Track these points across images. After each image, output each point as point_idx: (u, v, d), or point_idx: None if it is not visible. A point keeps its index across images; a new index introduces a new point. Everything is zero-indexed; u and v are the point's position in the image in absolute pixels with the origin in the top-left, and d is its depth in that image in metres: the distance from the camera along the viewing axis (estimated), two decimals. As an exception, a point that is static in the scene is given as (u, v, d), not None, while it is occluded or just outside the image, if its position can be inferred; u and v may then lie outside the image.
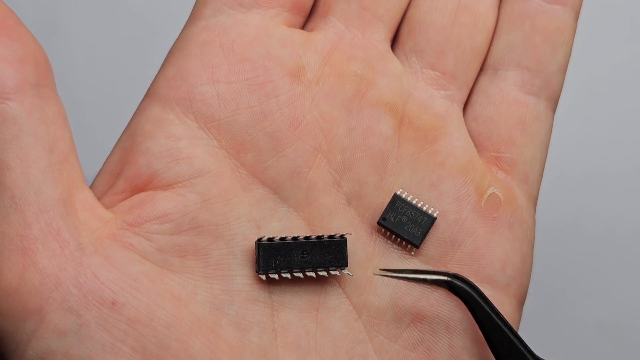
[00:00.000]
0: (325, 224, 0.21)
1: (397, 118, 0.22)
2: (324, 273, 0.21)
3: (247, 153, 0.21)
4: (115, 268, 0.19)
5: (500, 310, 0.22)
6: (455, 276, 0.21)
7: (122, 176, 0.21)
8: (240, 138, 0.21)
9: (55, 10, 0.47)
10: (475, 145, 0.23)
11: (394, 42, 0.23)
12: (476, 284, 0.22)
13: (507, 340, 0.21)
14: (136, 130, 0.21)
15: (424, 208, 0.22)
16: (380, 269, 0.21)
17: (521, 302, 0.23)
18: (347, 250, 0.21)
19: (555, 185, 0.46)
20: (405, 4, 0.23)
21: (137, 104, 0.49)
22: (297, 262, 0.21)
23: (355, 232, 0.22)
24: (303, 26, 0.23)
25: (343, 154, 0.22)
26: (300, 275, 0.21)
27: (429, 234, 0.22)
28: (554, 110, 0.24)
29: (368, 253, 0.21)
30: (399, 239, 0.22)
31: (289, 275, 0.21)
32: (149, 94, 0.22)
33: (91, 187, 0.21)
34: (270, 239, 0.21)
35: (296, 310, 0.21)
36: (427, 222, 0.21)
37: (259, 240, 0.21)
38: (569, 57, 0.24)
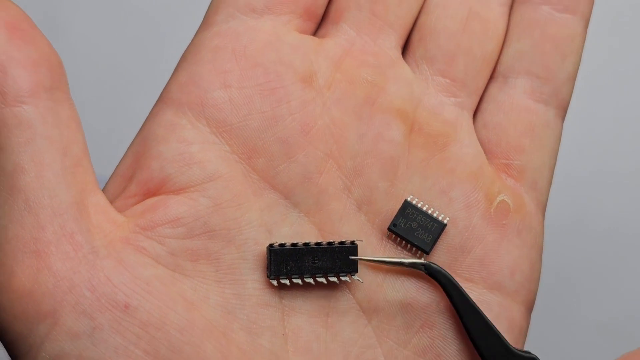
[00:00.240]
0: (336, 229, 0.22)
1: (407, 124, 0.22)
2: (335, 279, 0.21)
3: (259, 158, 0.21)
4: (128, 271, 0.20)
5: (508, 317, 0.22)
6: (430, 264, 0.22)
7: (135, 180, 0.21)
8: (252, 143, 0.21)
9: (56, 10, 0.48)
10: (484, 152, 0.23)
11: (405, 48, 0.24)
12: (485, 290, 0.22)
13: (481, 321, 0.21)
14: (149, 135, 0.21)
15: (434, 214, 0.22)
16: (352, 257, 0.21)
17: (529, 308, 0.23)
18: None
19: (556, 185, 0.46)
20: (416, 11, 0.23)
21: (137, 103, 0.49)
22: (308, 267, 0.21)
23: (365, 238, 0.22)
24: (315, 32, 0.23)
25: (354, 159, 0.22)
26: (311, 280, 0.21)
27: (439, 240, 0.22)
28: (563, 117, 0.24)
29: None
30: (409, 245, 0.22)
31: (299, 281, 0.21)
32: (161, 99, 0.22)
33: (103, 190, 0.22)
34: (281, 245, 0.21)
35: (306, 315, 0.21)
36: (437, 228, 0.22)
37: (271, 245, 0.21)
38: (579, 65, 0.24)
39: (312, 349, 0.21)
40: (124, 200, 0.21)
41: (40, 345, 0.19)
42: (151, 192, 0.21)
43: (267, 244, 0.21)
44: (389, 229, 0.22)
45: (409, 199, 0.22)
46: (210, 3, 0.23)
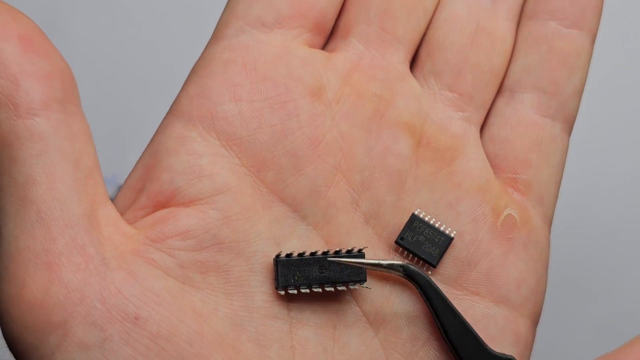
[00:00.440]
0: (344, 242, 0.22)
1: (415, 138, 0.23)
2: (343, 288, 0.22)
3: (268, 171, 0.22)
4: (138, 283, 0.20)
5: (514, 330, 0.23)
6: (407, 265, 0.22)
7: (145, 192, 0.22)
8: (261, 156, 0.22)
9: (55, 10, 0.48)
10: (491, 166, 0.24)
11: (413, 63, 0.24)
12: (491, 303, 0.22)
13: (459, 323, 0.22)
14: (159, 147, 0.22)
15: (442, 228, 0.23)
16: (330, 258, 0.22)
17: (535, 321, 0.24)
18: (366, 267, 0.22)
19: None
20: (424, 25, 0.24)
21: (137, 104, 0.49)
22: (316, 277, 0.21)
23: (372, 251, 0.22)
24: (324, 46, 0.24)
25: (362, 173, 0.22)
26: (319, 290, 0.22)
27: (445, 253, 0.22)
28: (569, 132, 0.25)
29: (385, 272, 0.22)
30: (416, 259, 0.22)
31: (307, 291, 0.21)
32: (171, 112, 0.22)
33: (114, 202, 0.22)
34: (288, 255, 0.21)
35: (314, 327, 0.22)
36: (444, 242, 0.22)
37: (277, 256, 0.21)
38: (585, 80, 0.24)
39: None
40: (134, 212, 0.22)
41: (51, 356, 0.19)
42: (161, 204, 0.21)
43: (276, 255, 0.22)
44: (396, 242, 0.22)
45: (416, 212, 0.23)
46: (221, 17, 0.23)
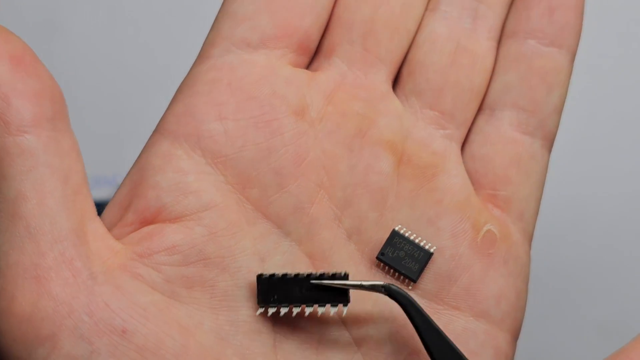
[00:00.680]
0: (327, 258, 0.23)
1: (396, 156, 0.24)
2: (323, 309, 0.22)
3: (253, 188, 0.22)
4: (126, 297, 0.21)
5: (494, 345, 0.23)
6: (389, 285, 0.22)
7: (132, 209, 0.22)
8: (246, 174, 0.22)
9: (55, 10, 0.48)
10: (472, 182, 0.25)
11: (396, 82, 0.25)
12: (471, 318, 0.23)
13: (443, 341, 0.22)
14: (145, 165, 0.23)
15: (422, 244, 0.23)
16: (313, 281, 0.22)
17: (515, 336, 0.24)
18: (349, 288, 0.22)
19: (556, 185, 0.47)
20: (407, 45, 0.25)
21: (137, 104, 0.50)
22: (298, 297, 0.22)
23: (355, 267, 0.23)
24: (308, 66, 0.24)
25: (344, 190, 0.23)
26: (299, 310, 0.22)
27: (426, 268, 0.23)
28: (549, 149, 0.25)
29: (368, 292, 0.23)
30: (397, 274, 0.23)
31: (287, 310, 0.22)
32: (158, 130, 0.23)
33: (101, 218, 0.23)
34: (272, 275, 0.22)
35: (298, 342, 0.22)
36: (424, 257, 0.23)
37: (260, 275, 0.22)
38: (565, 97, 0.25)
39: None
40: (121, 229, 0.22)
41: None
42: (148, 221, 0.22)
43: (259, 273, 0.22)
44: (377, 257, 0.23)
45: (396, 228, 0.23)
46: (207, 37, 0.24)
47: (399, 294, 0.22)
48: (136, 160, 0.23)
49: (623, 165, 0.47)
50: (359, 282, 0.22)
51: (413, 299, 0.22)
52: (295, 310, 0.22)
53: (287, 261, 0.23)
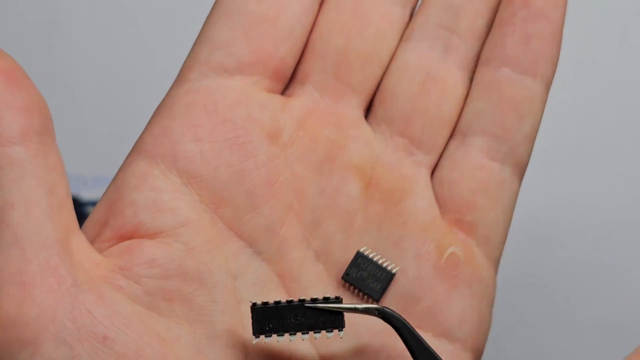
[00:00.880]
0: (296, 277, 0.24)
1: (365, 180, 0.25)
2: (319, 335, 0.22)
3: (226, 208, 0.24)
4: (108, 306, 0.22)
5: None
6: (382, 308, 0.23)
7: (109, 226, 0.23)
8: (220, 194, 0.23)
9: (55, 10, 0.49)
10: (439, 206, 0.25)
11: (369, 109, 0.26)
12: (434, 338, 0.24)
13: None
14: (122, 184, 0.24)
15: (385, 264, 0.24)
16: (308, 304, 0.22)
17: (478, 356, 0.25)
18: (343, 312, 0.23)
19: (555, 184, 0.48)
20: (379, 75, 0.25)
21: (137, 104, 0.50)
22: (292, 325, 0.22)
23: (323, 287, 0.24)
24: (283, 92, 0.25)
25: (313, 213, 0.24)
26: (294, 337, 0.22)
27: (389, 288, 0.24)
28: (520, 176, 0.26)
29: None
30: (361, 293, 0.24)
31: (282, 338, 0.22)
32: (135, 150, 0.24)
33: None
34: (265, 303, 0.22)
35: (269, 358, 0.23)
36: (386, 277, 0.24)
37: (254, 304, 0.22)
38: (538, 126, 0.26)
39: None
40: (99, 245, 0.23)
41: None
42: (125, 237, 0.23)
43: (249, 300, 0.23)
44: (342, 277, 0.24)
45: (361, 250, 0.24)
46: (185, 61, 0.25)
47: (392, 317, 0.22)
48: (113, 179, 0.24)
49: (623, 164, 0.48)
50: (352, 306, 0.23)
51: (406, 321, 0.23)
52: (292, 338, 0.22)
53: (258, 280, 0.24)
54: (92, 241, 0.24)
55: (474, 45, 0.26)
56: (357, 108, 0.25)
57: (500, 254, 0.26)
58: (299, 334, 0.22)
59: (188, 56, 0.25)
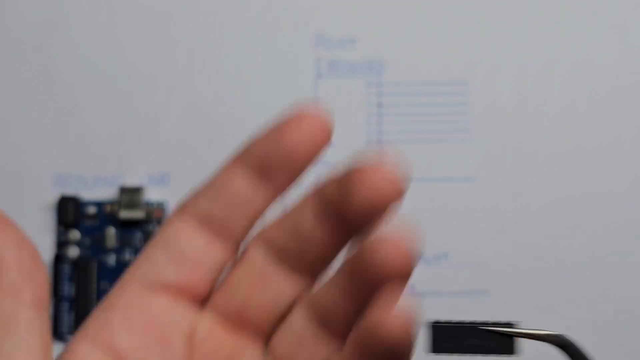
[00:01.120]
0: None
1: None
2: (492, 359, 0.23)
3: None
4: None
5: None
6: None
7: None
8: None
9: (56, 10, 0.50)
10: None
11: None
12: None
13: None
14: None
15: None
16: (489, 328, 0.23)
17: None
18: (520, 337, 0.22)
19: (555, 184, 0.49)
20: (278, 317, 0.28)
21: (137, 104, 0.51)
22: (467, 346, 0.23)
23: None
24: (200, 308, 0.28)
25: None
26: (470, 358, 0.23)
27: None
28: None
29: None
30: None
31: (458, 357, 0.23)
32: (80, 332, 0.27)
33: None
34: (446, 322, 0.23)
35: None
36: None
37: (435, 322, 0.23)
38: None
39: None
40: None
41: None
42: None
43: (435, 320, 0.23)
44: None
45: None
46: (129, 268, 0.27)
47: (570, 345, 0.22)
48: (56, 359, 0.27)
49: (622, 164, 0.48)
50: (532, 331, 0.23)
51: (584, 351, 0.22)
52: (465, 358, 0.23)
53: None
54: None
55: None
56: (255, 339, 0.28)
57: None
58: (473, 356, 0.23)
59: (132, 264, 0.28)
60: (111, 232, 0.48)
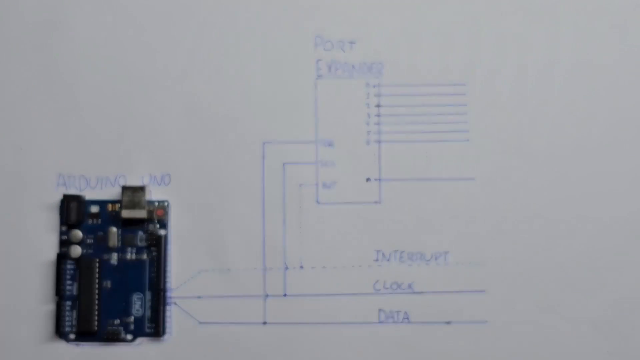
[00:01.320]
0: None
1: None
2: None
3: None
4: None
5: None
6: None
7: None
8: None
9: (56, 10, 0.50)
10: None
11: None
12: None
13: None
14: None
15: None
16: None
17: None
18: None
19: (554, 184, 0.49)
20: None
21: (138, 104, 0.51)
22: None
23: None
24: None
25: None
26: None
27: None
28: None
29: None
30: None
31: None
32: None
33: None
34: None
35: None
36: None
37: None
38: None
39: None
40: None
41: None
42: None
43: None
44: None
45: None
46: None
47: None
48: None
49: (621, 164, 0.48)
50: None
51: None
52: None
53: None
54: None
55: None
56: None
57: None
58: None
59: None
60: (113, 231, 0.49)
